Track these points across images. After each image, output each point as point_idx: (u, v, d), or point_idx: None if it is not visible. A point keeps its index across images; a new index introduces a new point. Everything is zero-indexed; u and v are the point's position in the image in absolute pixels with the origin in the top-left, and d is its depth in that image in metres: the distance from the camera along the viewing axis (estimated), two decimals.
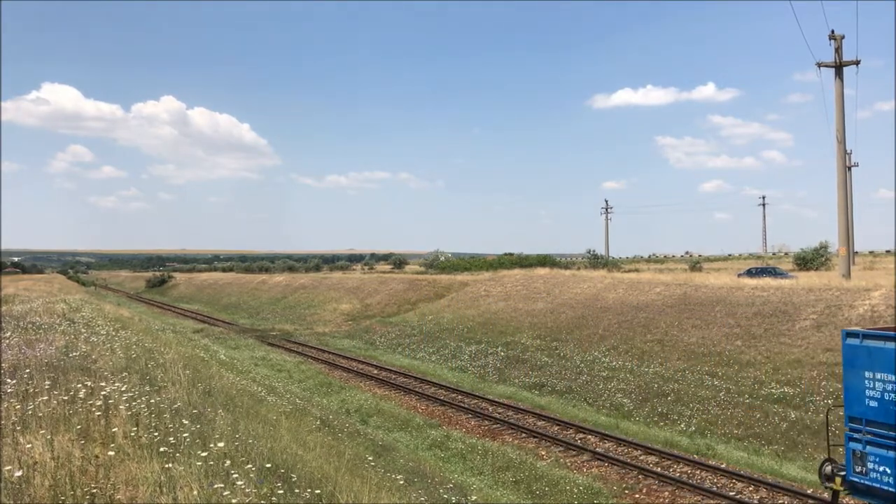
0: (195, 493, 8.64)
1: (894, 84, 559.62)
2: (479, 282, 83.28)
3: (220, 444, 10.88)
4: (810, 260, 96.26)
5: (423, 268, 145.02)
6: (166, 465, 9.47)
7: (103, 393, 12.68)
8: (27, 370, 14.98)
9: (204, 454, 9.95)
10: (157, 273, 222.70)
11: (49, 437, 9.97)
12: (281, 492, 9.38)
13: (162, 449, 10.11)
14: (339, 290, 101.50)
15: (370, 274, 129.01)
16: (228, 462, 9.89)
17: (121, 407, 12.25)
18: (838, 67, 52.27)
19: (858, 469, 17.58)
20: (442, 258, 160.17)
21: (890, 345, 16.46)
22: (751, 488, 25.95)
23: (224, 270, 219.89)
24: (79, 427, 10.88)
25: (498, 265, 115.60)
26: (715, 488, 25.91)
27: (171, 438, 10.78)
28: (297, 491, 9.99)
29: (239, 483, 8.99)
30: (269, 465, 10.71)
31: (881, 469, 16.94)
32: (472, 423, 36.25)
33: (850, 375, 17.65)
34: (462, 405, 39.16)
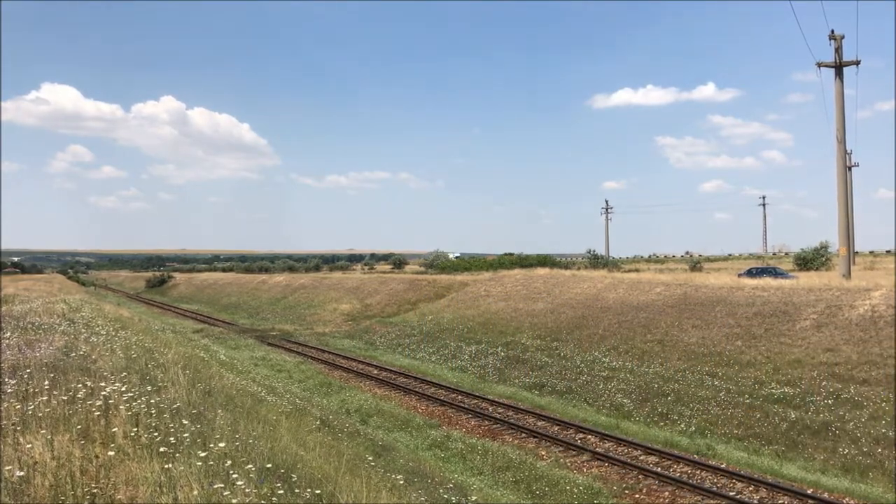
0: (195, 492, 8.63)
1: (894, 84, 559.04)
2: (479, 282, 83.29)
3: (221, 445, 10.86)
4: (810, 260, 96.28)
5: (423, 268, 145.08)
6: (166, 465, 9.45)
7: (103, 393, 12.66)
8: (27, 370, 14.95)
9: (204, 454, 9.93)
10: (156, 273, 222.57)
11: (49, 437, 9.95)
12: (281, 492, 9.36)
13: (162, 449, 10.09)
14: (339, 291, 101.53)
15: (370, 274, 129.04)
16: (229, 462, 9.87)
17: (121, 407, 12.23)
18: (838, 67, 52.28)
19: None
20: (451, 256, 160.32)
21: None
22: (751, 488, 25.96)
23: (224, 270, 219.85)
24: (79, 427, 10.86)
25: (498, 265, 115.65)
26: (715, 488, 25.93)
27: (171, 438, 10.76)
28: (297, 491, 9.98)
29: (239, 483, 8.98)
30: (269, 466, 10.69)
31: None
32: (473, 423, 36.27)
33: None
34: (462, 405, 39.18)
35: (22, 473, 8.40)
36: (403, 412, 38.21)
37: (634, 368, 42.35)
